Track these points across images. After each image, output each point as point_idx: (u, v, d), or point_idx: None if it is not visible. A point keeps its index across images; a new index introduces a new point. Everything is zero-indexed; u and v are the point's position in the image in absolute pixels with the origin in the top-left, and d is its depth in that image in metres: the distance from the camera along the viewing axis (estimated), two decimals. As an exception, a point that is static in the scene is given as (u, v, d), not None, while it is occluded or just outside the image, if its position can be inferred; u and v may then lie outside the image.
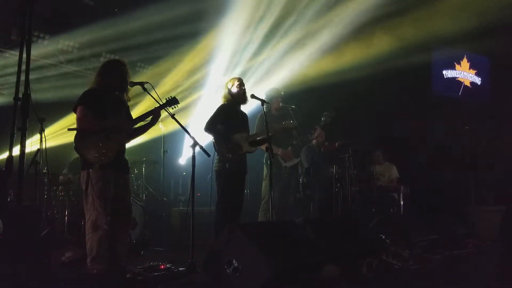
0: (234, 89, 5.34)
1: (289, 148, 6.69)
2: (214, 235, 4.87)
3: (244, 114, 5.52)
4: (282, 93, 6.97)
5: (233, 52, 8.56)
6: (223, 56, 8.54)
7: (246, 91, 5.44)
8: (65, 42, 8.40)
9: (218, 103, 5.50)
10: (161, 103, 4.29)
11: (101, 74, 4.18)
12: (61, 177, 6.61)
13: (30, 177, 5.04)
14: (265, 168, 6.60)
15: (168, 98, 4.36)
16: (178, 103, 4.41)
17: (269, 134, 5.05)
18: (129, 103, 4.41)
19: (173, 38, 8.18)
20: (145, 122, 4.32)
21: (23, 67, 3.11)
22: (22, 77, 3.09)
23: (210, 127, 5.21)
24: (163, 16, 7.68)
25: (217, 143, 5.17)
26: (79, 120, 3.97)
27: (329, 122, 6.85)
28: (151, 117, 4.27)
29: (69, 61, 8.73)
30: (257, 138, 5.44)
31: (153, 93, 4.31)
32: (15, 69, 3.07)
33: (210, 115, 5.30)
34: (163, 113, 4.37)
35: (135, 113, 4.45)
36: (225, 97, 5.40)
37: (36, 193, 5.66)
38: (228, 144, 5.16)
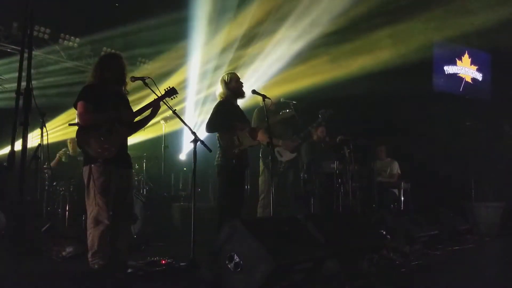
0: (233, 84, 5.30)
1: (290, 139, 6.66)
2: (215, 230, 4.86)
3: (241, 109, 5.49)
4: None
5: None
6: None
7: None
8: (66, 37, 8.41)
9: (214, 101, 5.46)
10: (159, 95, 4.27)
11: (99, 69, 4.17)
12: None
13: (31, 172, 5.04)
14: (261, 163, 6.54)
15: (167, 88, 4.32)
16: (177, 93, 4.35)
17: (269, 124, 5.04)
18: (134, 102, 4.39)
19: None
20: (144, 116, 4.31)
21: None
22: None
23: (212, 126, 5.15)
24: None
25: (222, 139, 5.13)
26: (80, 115, 3.95)
27: (327, 119, 6.83)
28: (151, 109, 4.26)
29: (70, 56, 8.75)
30: (255, 127, 5.45)
31: (154, 88, 4.29)
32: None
33: (210, 115, 5.24)
34: (165, 113, 4.35)
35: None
36: (222, 92, 5.32)
37: (37, 188, 5.67)
38: (233, 140, 5.12)
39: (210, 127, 5.17)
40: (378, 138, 8.23)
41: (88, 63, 8.75)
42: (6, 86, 7.61)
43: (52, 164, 7.19)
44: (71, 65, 8.82)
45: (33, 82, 3.01)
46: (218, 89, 5.37)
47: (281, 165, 6.55)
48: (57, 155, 7.30)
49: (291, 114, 6.16)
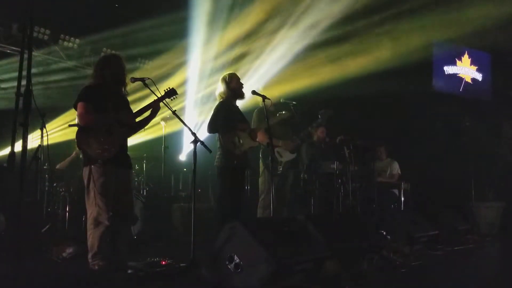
0: (234, 84, 5.30)
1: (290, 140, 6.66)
2: (215, 231, 4.86)
3: (239, 109, 5.50)
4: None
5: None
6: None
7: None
8: (66, 38, 8.41)
9: (215, 102, 5.46)
10: (159, 95, 4.28)
11: (99, 69, 4.18)
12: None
13: (31, 173, 5.04)
14: (261, 163, 6.53)
15: (166, 89, 4.33)
16: (177, 94, 4.38)
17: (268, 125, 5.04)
18: (134, 102, 4.39)
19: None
20: (144, 117, 4.32)
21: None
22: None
23: (213, 127, 5.16)
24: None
25: (224, 139, 5.12)
26: (81, 115, 3.95)
27: (326, 119, 6.82)
28: (150, 110, 4.26)
29: (69, 57, 8.75)
30: (254, 128, 5.45)
31: (154, 88, 4.29)
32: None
33: (211, 116, 5.25)
34: (165, 114, 4.35)
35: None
36: (222, 93, 5.33)
37: (37, 189, 5.66)
38: (234, 141, 5.11)
39: (212, 127, 5.17)
40: (378, 138, 8.23)
41: (88, 63, 8.74)
42: (6, 86, 7.60)
43: (62, 164, 7.13)
44: (71, 66, 8.81)
45: (33, 83, 3.01)
46: (218, 89, 5.37)
47: (281, 165, 6.55)
48: (74, 152, 7.20)
49: (287, 116, 6.17)
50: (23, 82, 2.99)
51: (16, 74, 3.05)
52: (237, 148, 5.07)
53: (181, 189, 8.83)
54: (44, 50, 8.33)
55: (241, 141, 5.12)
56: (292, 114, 6.34)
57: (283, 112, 6.14)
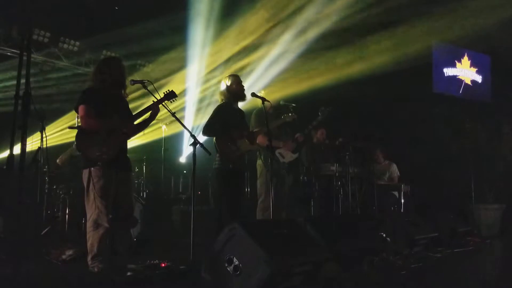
0: (234, 87, 5.29)
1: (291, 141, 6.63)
2: (214, 233, 4.86)
3: (241, 111, 5.47)
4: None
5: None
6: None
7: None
8: (66, 40, 8.43)
9: (215, 103, 5.46)
10: (159, 98, 4.28)
11: (98, 72, 4.18)
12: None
13: (31, 175, 5.04)
14: (259, 165, 6.50)
15: (166, 92, 4.33)
16: (177, 96, 4.38)
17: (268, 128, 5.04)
18: (135, 103, 4.40)
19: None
20: (143, 119, 4.32)
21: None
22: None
23: (208, 131, 5.14)
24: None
25: (219, 144, 5.13)
26: (83, 118, 3.96)
27: (326, 117, 6.80)
28: (150, 112, 4.26)
29: (69, 60, 8.76)
30: (254, 131, 5.44)
31: (153, 91, 4.30)
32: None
33: (208, 119, 5.24)
34: (166, 118, 4.35)
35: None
36: (223, 95, 5.33)
37: (36, 192, 5.66)
38: (230, 144, 5.11)
39: (207, 131, 5.15)
40: (377, 140, 8.22)
41: (88, 66, 8.76)
42: (5, 89, 7.61)
43: (62, 158, 7.05)
44: (70, 68, 8.82)
45: (32, 85, 3.01)
46: (219, 91, 5.38)
47: (284, 165, 6.53)
48: (74, 145, 7.12)
49: (292, 118, 6.15)
50: (22, 83, 3.00)
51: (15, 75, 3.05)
52: (233, 153, 5.07)
53: (181, 191, 8.83)
54: (44, 52, 8.35)
55: (237, 145, 5.12)
56: (296, 119, 6.32)
57: (290, 114, 6.13)
